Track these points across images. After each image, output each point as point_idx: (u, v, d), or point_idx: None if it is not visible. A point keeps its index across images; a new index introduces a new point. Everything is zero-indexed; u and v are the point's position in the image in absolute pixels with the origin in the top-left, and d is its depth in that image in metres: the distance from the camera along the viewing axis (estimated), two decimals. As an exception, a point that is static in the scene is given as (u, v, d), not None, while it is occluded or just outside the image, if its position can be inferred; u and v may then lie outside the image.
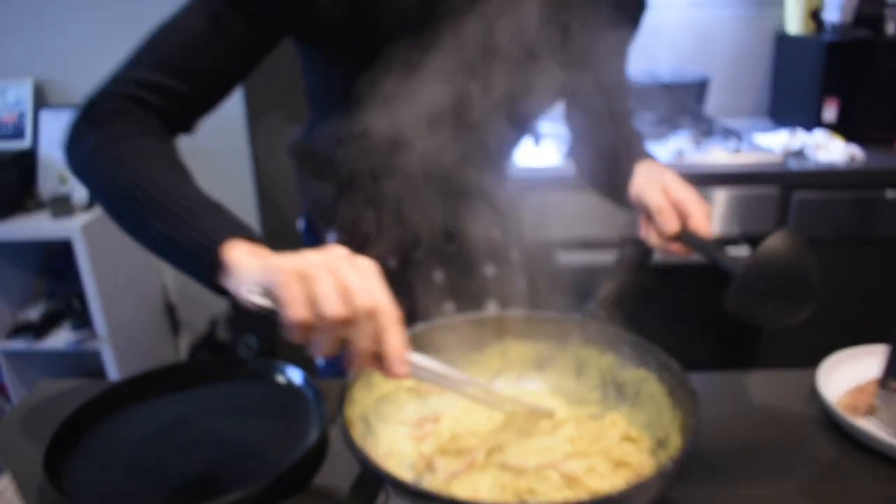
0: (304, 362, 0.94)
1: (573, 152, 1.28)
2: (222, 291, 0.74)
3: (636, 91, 2.33)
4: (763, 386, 0.96)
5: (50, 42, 2.65)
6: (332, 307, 0.62)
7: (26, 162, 2.51)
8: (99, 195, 0.83)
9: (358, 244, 1.09)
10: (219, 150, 2.66)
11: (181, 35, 0.87)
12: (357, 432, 0.71)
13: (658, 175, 0.98)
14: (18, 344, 2.50)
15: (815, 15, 2.50)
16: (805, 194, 2.07)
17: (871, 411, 0.83)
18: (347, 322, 0.62)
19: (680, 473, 0.61)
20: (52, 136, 2.52)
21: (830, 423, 0.86)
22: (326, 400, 0.83)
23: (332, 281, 0.63)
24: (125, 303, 2.58)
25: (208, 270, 0.72)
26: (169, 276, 2.91)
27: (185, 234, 0.74)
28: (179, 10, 0.88)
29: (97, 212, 2.41)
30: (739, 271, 0.78)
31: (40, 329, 2.51)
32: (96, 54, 2.62)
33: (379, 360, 0.65)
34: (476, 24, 0.92)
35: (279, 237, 2.26)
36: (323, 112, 1.11)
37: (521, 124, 1.17)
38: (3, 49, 2.64)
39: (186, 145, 0.93)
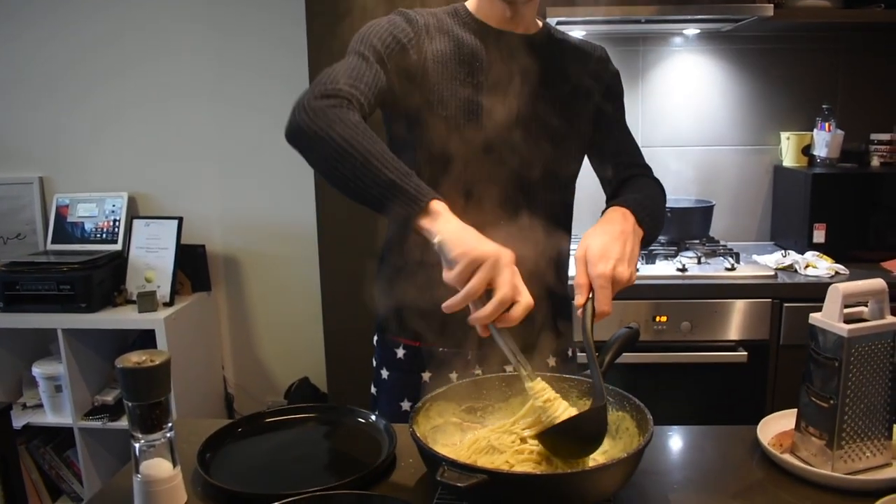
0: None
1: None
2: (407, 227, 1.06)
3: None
4: (722, 434, 1.26)
5: (144, 162, 3.10)
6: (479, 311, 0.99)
7: (117, 262, 2.89)
8: (321, 151, 1.13)
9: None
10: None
11: (346, 66, 1.24)
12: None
13: (593, 238, 1.18)
14: (95, 423, 2.79)
15: (807, 150, 2.86)
16: (795, 305, 2.36)
17: (792, 448, 1.12)
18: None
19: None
20: (140, 241, 2.91)
21: (763, 456, 1.14)
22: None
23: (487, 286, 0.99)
24: (190, 391, 2.88)
25: (418, 212, 1.05)
26: (229, 370, 3.24)
27: (406, 184, 1.06)
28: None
29: (176, 307, 2.77)
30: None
31: (115, 410, 2.81)
32: (182, 174, 3.08)
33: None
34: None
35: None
36: None
37: (559, 188, 1.41)
38: (107, 168, 3.11)
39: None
